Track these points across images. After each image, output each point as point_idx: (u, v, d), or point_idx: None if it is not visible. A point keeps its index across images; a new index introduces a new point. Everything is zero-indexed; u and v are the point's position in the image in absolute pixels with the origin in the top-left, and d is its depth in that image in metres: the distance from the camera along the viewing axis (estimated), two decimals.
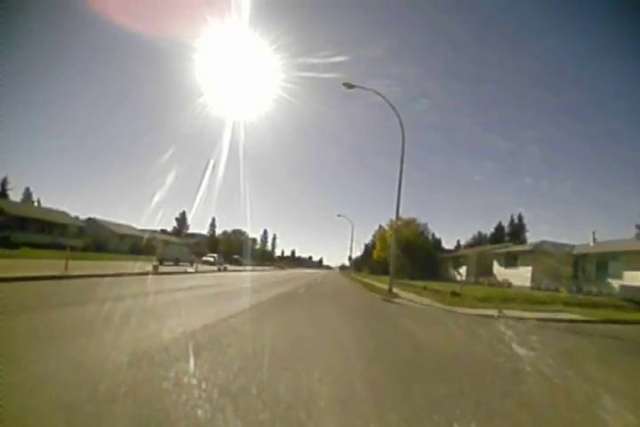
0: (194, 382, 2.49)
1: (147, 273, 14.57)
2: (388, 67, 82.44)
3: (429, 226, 48.82)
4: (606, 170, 74.46)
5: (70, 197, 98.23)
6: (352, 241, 66.87)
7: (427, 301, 11.50)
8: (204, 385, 2.43)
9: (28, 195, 60.63)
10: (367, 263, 64.90)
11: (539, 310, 10.23)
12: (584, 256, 22.19)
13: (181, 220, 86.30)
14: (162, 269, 17.07)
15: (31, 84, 67.86)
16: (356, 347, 4.29)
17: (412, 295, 13.49)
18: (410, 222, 50.14)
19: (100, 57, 72.32)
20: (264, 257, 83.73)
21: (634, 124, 60.28)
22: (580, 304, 12.60)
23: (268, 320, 5.77)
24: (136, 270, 14.03)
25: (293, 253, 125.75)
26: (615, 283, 19.49)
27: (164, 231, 74.64)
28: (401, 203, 14.75)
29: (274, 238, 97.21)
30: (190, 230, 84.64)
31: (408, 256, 35.41)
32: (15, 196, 60.14)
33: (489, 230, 63.51)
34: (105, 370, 2.59)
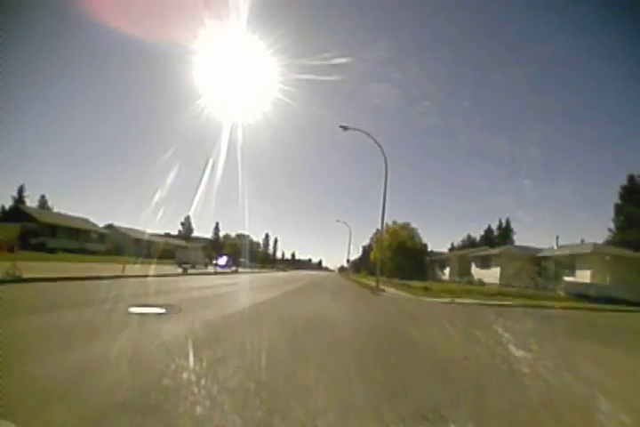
0: (282, 308, 6.37)
1: (181, 274, 18.42)
2: (389, 69, 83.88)
3: (419, 231, 52.94)
4: (605, 172, 76.93)
5: (69, 200, 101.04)
6: (349, 245, 71.10)
7: (402, 293, 15.38)
8: (286, 309, 6.30)
9: (43, 202, 64.35)
10: (365, 265, 68.66)
11: (481, 299, 14.12)
12: (546, 258, 26.15)
13: (187, 224, 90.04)
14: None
15: (30, 87, 67.18)
16: (345, 309, 8.16)
17: (392, 290, 17.37)
18: (405, 227, 54.15)
19: (98, 60, 70.07)
20: (266, 260, 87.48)
21: (633, 126, 62.86)
22: (522, 296, 16.50)
23: (300, 297, 9.68)
24: (170, 272, 17.85)
25: (293, 255, 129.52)
26: (568, 280, 23.41)
27: (167, 235, 78.18)
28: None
29: (275, 242, 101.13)
30: (193, 234, 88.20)
31: (401, 258, 39.25)
32: (31, 202, 63.33)
33: (482, 233, 67.59)
34: (251, 306, 6.43)
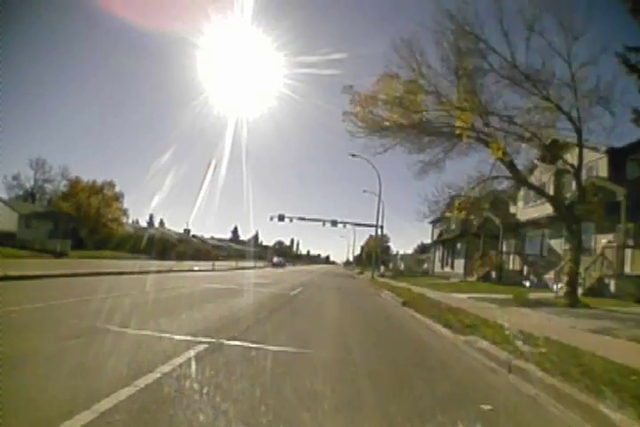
0: (326, 272, 45.89)
1: (284, 266, 57.97)
2: (384, 63, 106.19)
3: (390, 237, 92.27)
4: None
5: None
6: (348, 249, 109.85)
7: (356, 271, 54.77)
8: (326, 273, 45.82)
9: (162, 222, 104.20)
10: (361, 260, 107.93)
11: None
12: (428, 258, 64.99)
13: (234, 232, 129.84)
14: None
15: (30, 82, 66.78)
16: (339, 273, 47.67)
17: (357, 271, 56.77)
18: (383, 237, 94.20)
19: (101, 52, 69.69)
20: (291, 257, 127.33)
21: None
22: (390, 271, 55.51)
23: (328, 273, 49.28)
24: (262, 265, 57.15)
25: (308, 252, 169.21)
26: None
27: (212, 237, 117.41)
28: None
29: (297, 244, 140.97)
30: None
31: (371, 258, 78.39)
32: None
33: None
34: (324, 272, 45.81)
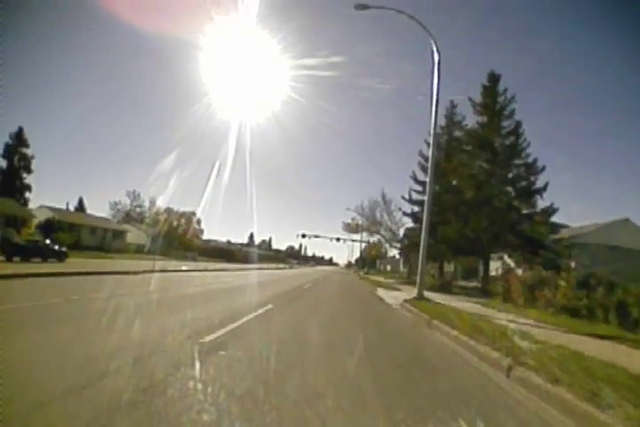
0: (330, 271, 68.54)
1: (298, 266, 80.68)
2: (383, 65, 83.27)
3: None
4: (601, 167, 79.02)
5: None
6: (348, 254, 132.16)
7: (351, 270, 77.41)
8: (330, 271, 68.48)
9: None
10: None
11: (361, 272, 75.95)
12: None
13: (251, 237, 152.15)
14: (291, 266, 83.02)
15: (28, 82, 66.91)
16: (340, 271, 70.27)
17: (353, 271, 79.43)
18: (378, 244, 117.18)
19: (103, 53, 70.20)
20: (301, 259, 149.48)
21: (628, 121, 66.36)
22: (372, 271, 77.95)
23: (335, 271, 72.00)
24: (283, 266, 79.71)
25: (314, 254, 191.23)
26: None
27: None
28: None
29: (305, 248, 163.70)
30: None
31: (371, 262, 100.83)
32: None
33: None
34: (332, 271, 68.43)
